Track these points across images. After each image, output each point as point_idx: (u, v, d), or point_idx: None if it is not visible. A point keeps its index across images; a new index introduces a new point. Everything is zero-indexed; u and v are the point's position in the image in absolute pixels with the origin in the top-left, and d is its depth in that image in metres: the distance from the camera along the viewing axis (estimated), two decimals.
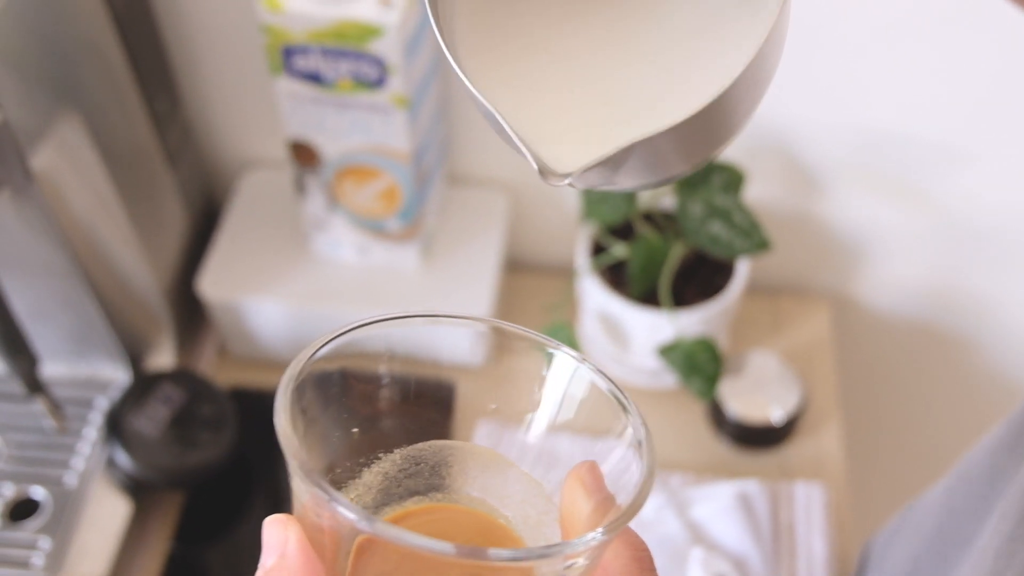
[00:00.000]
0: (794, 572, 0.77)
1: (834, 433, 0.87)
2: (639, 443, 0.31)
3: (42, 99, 0.67)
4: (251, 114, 0.89)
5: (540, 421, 0.34)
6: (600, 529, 0.28)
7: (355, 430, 0.33)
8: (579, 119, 0.32)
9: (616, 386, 0.32)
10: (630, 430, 0.31)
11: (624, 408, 0.31)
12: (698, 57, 0.31)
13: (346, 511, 0.26)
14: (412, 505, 0.33)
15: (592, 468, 0.31)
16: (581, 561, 0.28)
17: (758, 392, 0.84)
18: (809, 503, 0.81)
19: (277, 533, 0.29)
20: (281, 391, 0.29)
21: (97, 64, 0.73)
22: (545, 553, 0.27)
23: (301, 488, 0.28)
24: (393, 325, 0.32)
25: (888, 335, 1.01)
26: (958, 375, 1.04)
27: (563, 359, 0.33)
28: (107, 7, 0.72)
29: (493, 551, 0.26)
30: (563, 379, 0.33)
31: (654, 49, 0.32)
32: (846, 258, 0.95)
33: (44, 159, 0.67)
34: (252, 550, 0.29)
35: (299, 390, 0.30)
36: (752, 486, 0.80)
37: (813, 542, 0.79)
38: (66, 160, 0.70)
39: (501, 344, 0.33)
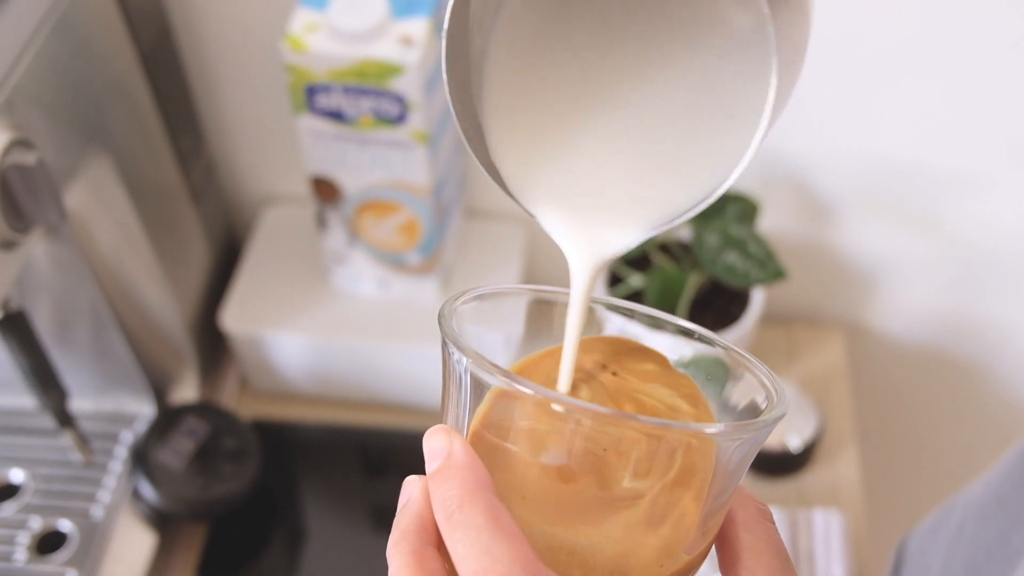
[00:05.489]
0: None
1: (851, 460, 0.87)
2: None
3: (73, 140, 0.69)
4: (273, 151, 0.91)
5: None
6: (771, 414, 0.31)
7: None
8: (618, 194, 0.34)
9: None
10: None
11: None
12: (715, 116, 0.33)
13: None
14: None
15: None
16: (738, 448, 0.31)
17: None
18: (828, 530, 0.81)
19: (440, 439, 0.31)
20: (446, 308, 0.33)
21: (125, 105, 0.75)
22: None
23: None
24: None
25: (903, 362, 1.02)
26: (973, 400, 1.04)
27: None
28: (135, 50, 0.74)
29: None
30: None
31: (670, 114, 0.33)
32: (860, 286, 0.96)
33: (75, 198, 0.68)
34: None
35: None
36: None
37: (832, 569, 0.79)
38: (95, 198, 0.71)
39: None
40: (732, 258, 0.80)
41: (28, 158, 0.60)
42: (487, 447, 0.31)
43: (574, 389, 0.34)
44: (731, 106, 0.32)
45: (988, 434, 1.05)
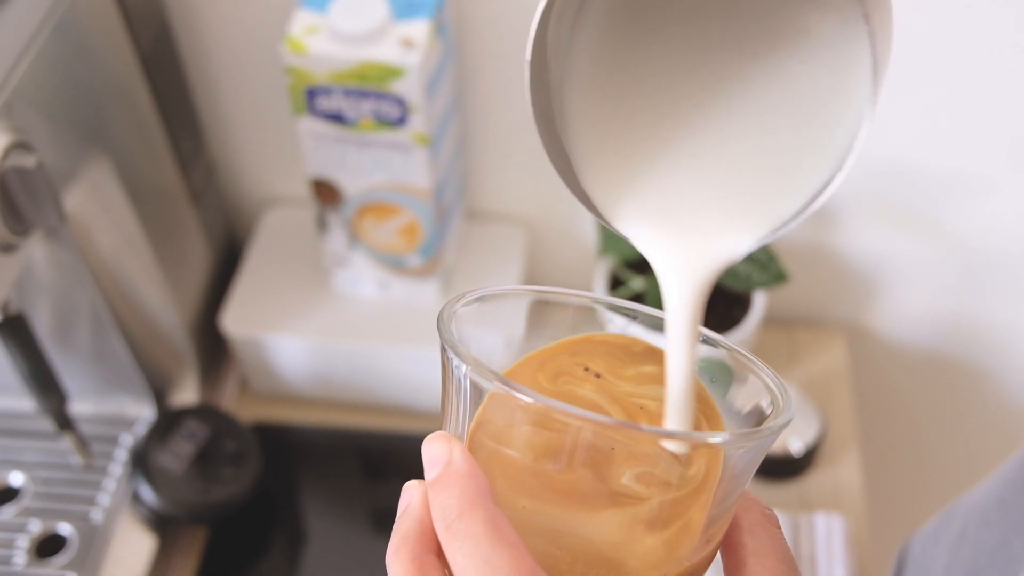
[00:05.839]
0: None
1: (853, 463, 0.87)
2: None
3: (72, 142, 0.69)
4: (273, 153, 0.91)
5: None
6: (777, 421, 0.31)
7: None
8: (716, 209, 0.33)
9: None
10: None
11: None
12: (808, 121, 0.32)
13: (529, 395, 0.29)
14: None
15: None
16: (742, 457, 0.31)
17: None
18: (829, 534, 0.81)
19: (440, 447, 0.30)
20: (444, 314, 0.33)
21: (125, 107, 0.75)
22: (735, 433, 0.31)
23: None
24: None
25: (905, 365, 1.02)
26: (975, 403, 1.04)
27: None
28: (135, 52, 0.74)
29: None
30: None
31: (762, 123, 0.33)
32: (862, 289, 0.96)
33: (74, 200, 0.68)
34: None
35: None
36: None
37: (834, 573, 0.79)
38: (95, 201, 0.71)
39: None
40: None
41: (27, 161, 0.60)
42: (486, 452, 0.31)
43: (577, 389, 0.33)
44: (824, 108, 0.32)
45: (990, 437, 1.05)
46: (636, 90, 0.33)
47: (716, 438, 0.31)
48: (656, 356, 0.35)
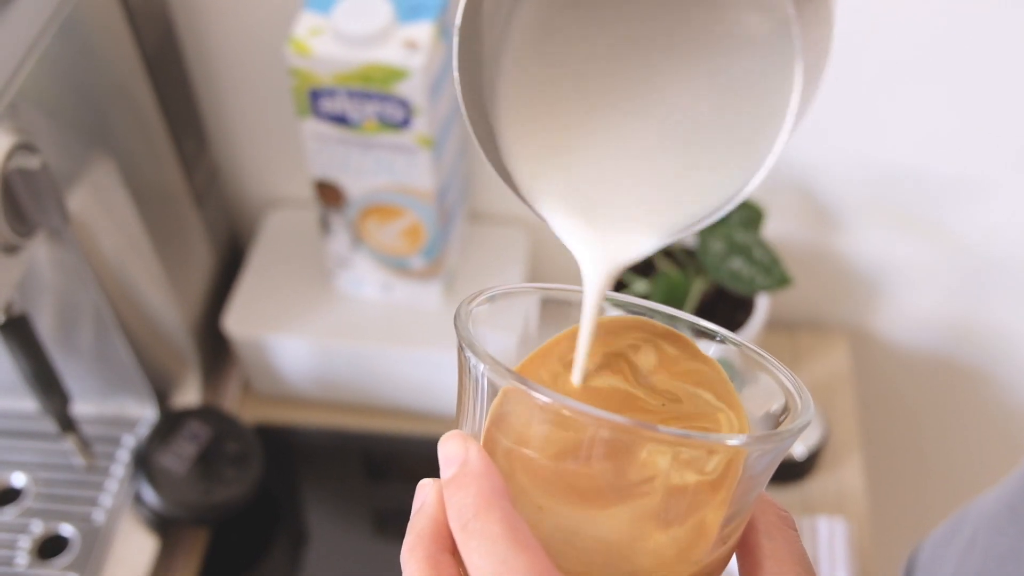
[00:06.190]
0: None
1: (856, 467, 0.87)
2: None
3: (76, 143, 0.69)
4: (276, 154, 0.91)
5: None
6: (795, 423, 0.31)
7: None
8: (632, 200, 0.34)
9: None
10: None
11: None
12: (733, 122, 0.32)
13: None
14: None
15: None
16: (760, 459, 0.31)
17: None
18: (832, 538, 0.81)
19: (456, 446, 0.30)
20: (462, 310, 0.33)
21: (129, 109, 0.75)
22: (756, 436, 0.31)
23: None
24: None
25: (908, 368, 1.02)
26: (979, 407, 1.04)
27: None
28: (139, 53, 0.74)
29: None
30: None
31: (687, 120, 0.33)
32: (865, 292, 0.96)
33: (78, 201, 0.68)
34: None
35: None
36: None
37: None
38: (98, 202, 0.71)
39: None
40: (737, 264, 0.80)
41: (31, 162, 0.60)
42: (502, 451, 0.31)
43: (601, 379, 0.33)
44: (749, 111, 0.31)
45: (993, 441, 1.05)
46: (568, 74, 0.33)
47: (734, 440, 0.31)
48: (682, 342, 0.35)
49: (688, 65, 0.32)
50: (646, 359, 0.34)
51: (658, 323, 0.36)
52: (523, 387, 0.29)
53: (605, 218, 0.34)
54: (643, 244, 0.33)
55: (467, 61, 0.33)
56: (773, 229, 0.90)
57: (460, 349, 0.32)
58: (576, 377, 0.33)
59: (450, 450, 0.30)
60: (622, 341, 0.35)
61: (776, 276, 0.79)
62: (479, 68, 0.33)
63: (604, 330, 0.35)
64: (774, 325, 0.95)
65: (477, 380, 0.31)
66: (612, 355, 0.34)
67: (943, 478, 1.11)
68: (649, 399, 0.33)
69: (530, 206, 0.35)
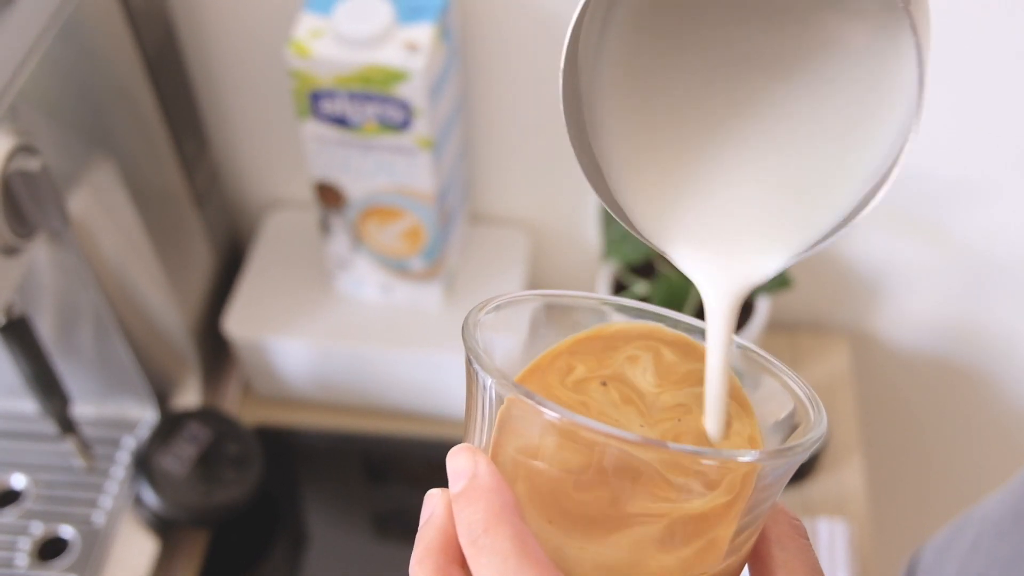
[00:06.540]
0: None
1: (856, 469, 0.87)
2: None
3: (77, 145, 0.69)
4: (276, 156, 0.91)
5: None
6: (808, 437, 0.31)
7: None
8: (754, 223, 0.33)
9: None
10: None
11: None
12: (847, 133, 0.32)
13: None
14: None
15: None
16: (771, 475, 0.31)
17: None
18: (833, 540, 0.81)
19: (465, 459, 0.30)
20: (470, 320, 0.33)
21: (129, 110, 0.75)
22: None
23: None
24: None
25: (908, 370, 1.02)
26: (979, 409, 1.03)
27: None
28: (139, 55, 0.74)
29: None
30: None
31: (800, 136, 0.32)
32: (865, 294, 0.96)
33: (78, 203, 0.68)
34: None
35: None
36: None
37: None
38: (99, 203, 0.71)
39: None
40: None
41: (32, 164, 0.60)
42: (511, 464, 0.31)
43: (608, 391, 0.33)
44: (858, 117, 0.31)
45: (994, 443, 1.05)
46: (666, 102, 0.33)
47: (747, 457, 0.30)
48: (694, 350, 0.35)
49: (788, 81, 0.32)
50: (644, 378, 0.34)
51: (667, 330, 0.35)
52: (531, 402, 0.29)
53: (728, 244, 0.33)
54: (769, 263, 0.33)
55: (570, 99, 0.32)
56: None
57: (468, 361, 0.31)
58: (713, 429, 0.32)
59: (459, 463, 0.30)
60: (620, 356, 0.34)
61: (776, 278, 0.79)
62: (579, 105, 0.33)
63: (603, 344, 0.34)
64: (775, 327, 0.95)
65: (485, 392, 0.31)
66: (611, 378, 0.34)
67: (944, 480, 1.11)
68: (663, 418, 0.33)
69: (648, 240, 0.34)
